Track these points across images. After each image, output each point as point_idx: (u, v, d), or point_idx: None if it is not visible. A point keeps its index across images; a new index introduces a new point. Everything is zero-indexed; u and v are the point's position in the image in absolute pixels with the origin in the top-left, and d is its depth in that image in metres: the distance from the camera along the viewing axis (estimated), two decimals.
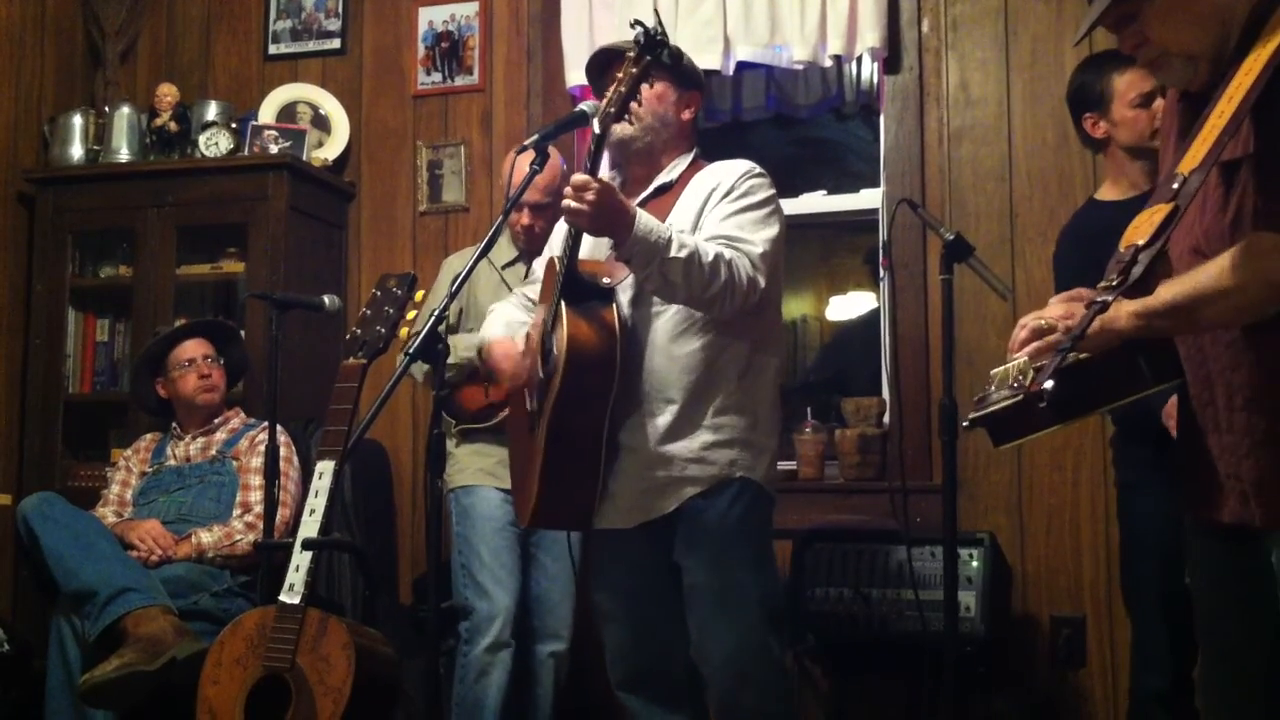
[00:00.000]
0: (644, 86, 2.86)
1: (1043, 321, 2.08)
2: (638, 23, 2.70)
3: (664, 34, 2.69)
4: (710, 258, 2.80)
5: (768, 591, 2.98)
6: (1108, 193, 3.40)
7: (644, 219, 2.77)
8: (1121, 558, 3.42)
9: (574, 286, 2.88)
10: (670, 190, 3.08)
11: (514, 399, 3.22)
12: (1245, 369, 2.04)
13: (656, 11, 4.50)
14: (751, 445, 2.97)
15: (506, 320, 3.21)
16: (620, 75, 2.76)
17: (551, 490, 2.90)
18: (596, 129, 2.80)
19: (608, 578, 3.11)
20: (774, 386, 3.09)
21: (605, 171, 3.09)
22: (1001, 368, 2.07)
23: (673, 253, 2.76)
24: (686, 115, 3.13)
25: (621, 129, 3.00)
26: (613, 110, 2.77)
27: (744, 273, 2.85)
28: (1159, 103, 3.20)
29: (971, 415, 2.07)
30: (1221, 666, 2.21)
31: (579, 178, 2.72)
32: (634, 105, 2.94)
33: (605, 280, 2.94)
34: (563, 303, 2.86)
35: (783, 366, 3.18)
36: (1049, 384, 1.82)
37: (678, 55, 2.76)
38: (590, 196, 2.69)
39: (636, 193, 3.07)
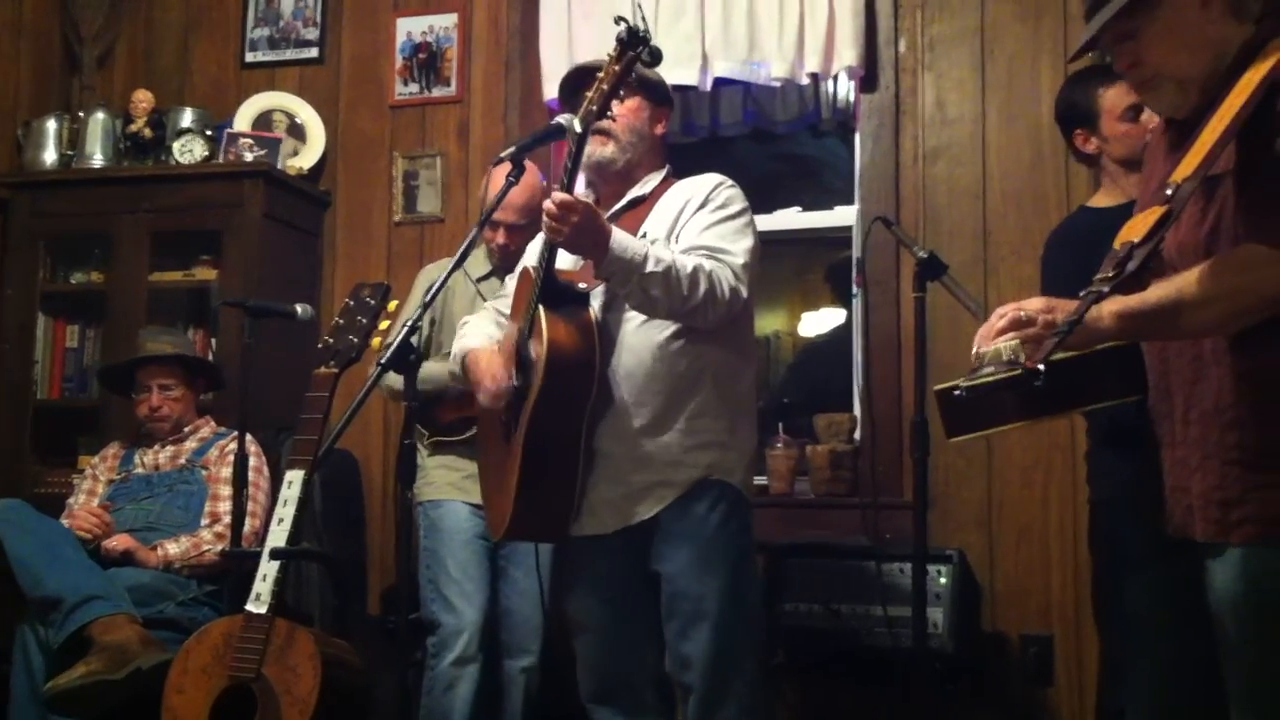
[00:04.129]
0: (616, 102, 2.87)
1: (1023, 313, 2.09)
2: (620, 19, 2.70)
3: (647, 31, 2.68)
4: (689, 270, 2.81)
5: (747, 601, 2.98)
6: (1101, 200, 3.42)
7: (619, 237, 2.77)
8: (1094, 573, 3.43)
9: (551, 292, 2.89)
10: (644, 203, 3.09)
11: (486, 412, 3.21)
12: (1206, 383, 2.07)
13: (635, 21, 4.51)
14: (729, 448, 2.97)
15: (486, 334, 3.19)
16: (601, 75, 2.75)
17: (528, 500, 2.88)
18: (578, 128, 2.78)
19: (581, 589, 3.09)
20: (749, 393, 3.09)
21: (580, 187, 3.10)
22: (991, 347, 2.07)
23: (650, 268, 2.76)
24: (659, 130, 3.16)
25: (602, 150, 3.04)
26: (594, 109, 2.75)
27: (725, 284, 2.86)
28: (1147, 114, 3.23)
29: (965, 384, 2.07)
30: (1154, 677, 2.24)
31: (562, 197, 2.71)
32: (611, 124, 2.98)
33: (581, 285, 2.94)
34: (541, 307, 2.86)
35: (757, 374, 3.17)
36: (1042, 365, 1.84)
37: (658, 55, 2.76)
38: (575, 219, 2.69)
39: (609, 207, 3.09)
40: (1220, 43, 2.11)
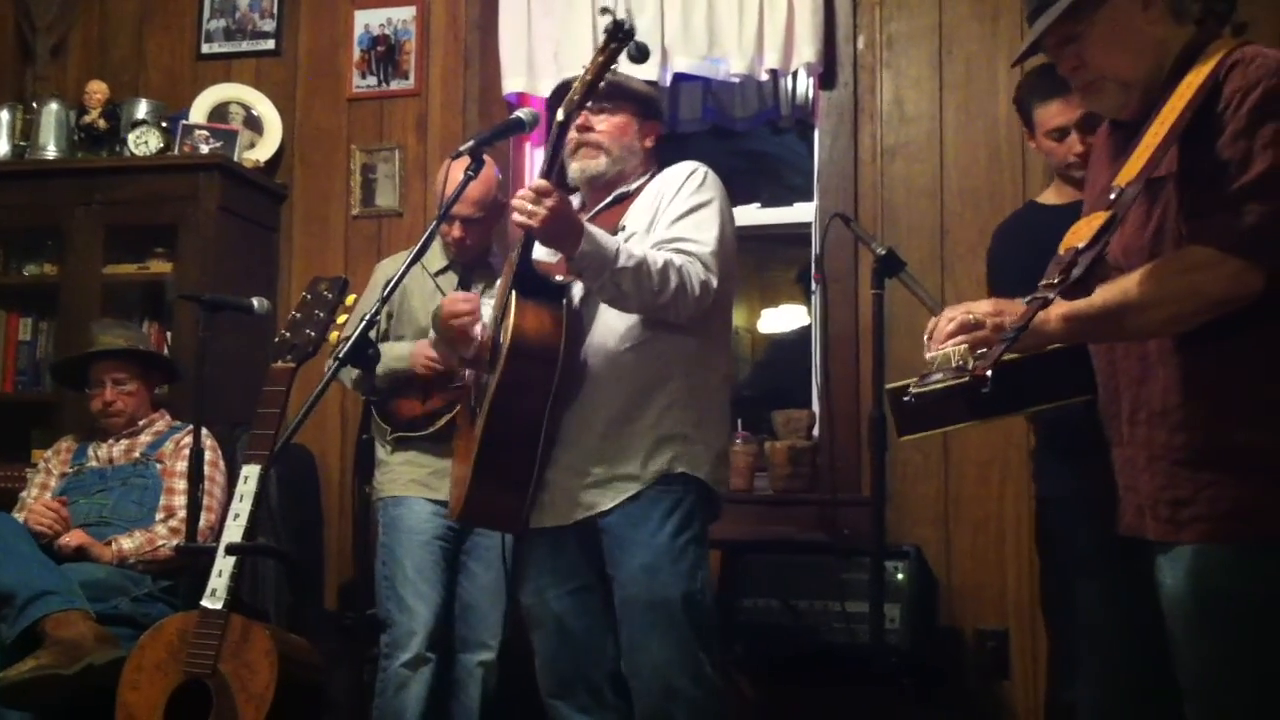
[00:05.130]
0: (605, 115, 3.00)
1: (971, 316, 2.10)
2: (606, 10, 2.71)
3: (632, 25, 2.70)
4: (659, 265, 2.83)
5: (701, 605, 2.96)
6: (1049, 198, 3.44)
7: (592, 232, 2.78)
8: (1041, 570, 3.45)
9: (527, 281, 2.90)
10: (628, 198, 3.11)
11: (463, 401, 3.22)
12: (1153, 383, 2.11)
13: (595, 20, 4.51)
14: (696, 442, 2.97)
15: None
16: (587, 65, 2.77)
17: (484, 483, 2.89)
18: (560, 115, 2.80)
19: (537, 584, 3.08)
20: (721, 385, 3.10)
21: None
22: (940, 352, 2.09)
23: (621, 263, 2.78)
24: (649, 144, 3.18)
25: (594, 163, 3.07)
26: (577, 98, 2.77)
27: (695, 278, 2.88)
28: (1072, 138, 3.26)
29: (914, 390, 2.09)
30: (1105, 675, 2.27)
31: (540, 183, 2.73)
32: (602, 136, 3.05)
33: (559, 277, 2.95)
34: (513, 294, 2.87)
35: (731, 366, 3.18)
36: (990, 371, 1.86)
37: (645, 50, 2.77)
38: (550, 202, 2.70)
39: (595, 207, 3.12)
40: (1162, 44, 2.14)
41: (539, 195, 2.70)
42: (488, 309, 3.19)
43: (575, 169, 3.07)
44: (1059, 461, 3.28)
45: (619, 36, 2.69)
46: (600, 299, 2.91)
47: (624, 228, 3.00)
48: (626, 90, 3.09)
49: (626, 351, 2.94)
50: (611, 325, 2.95)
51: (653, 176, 3.16)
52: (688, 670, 2.90)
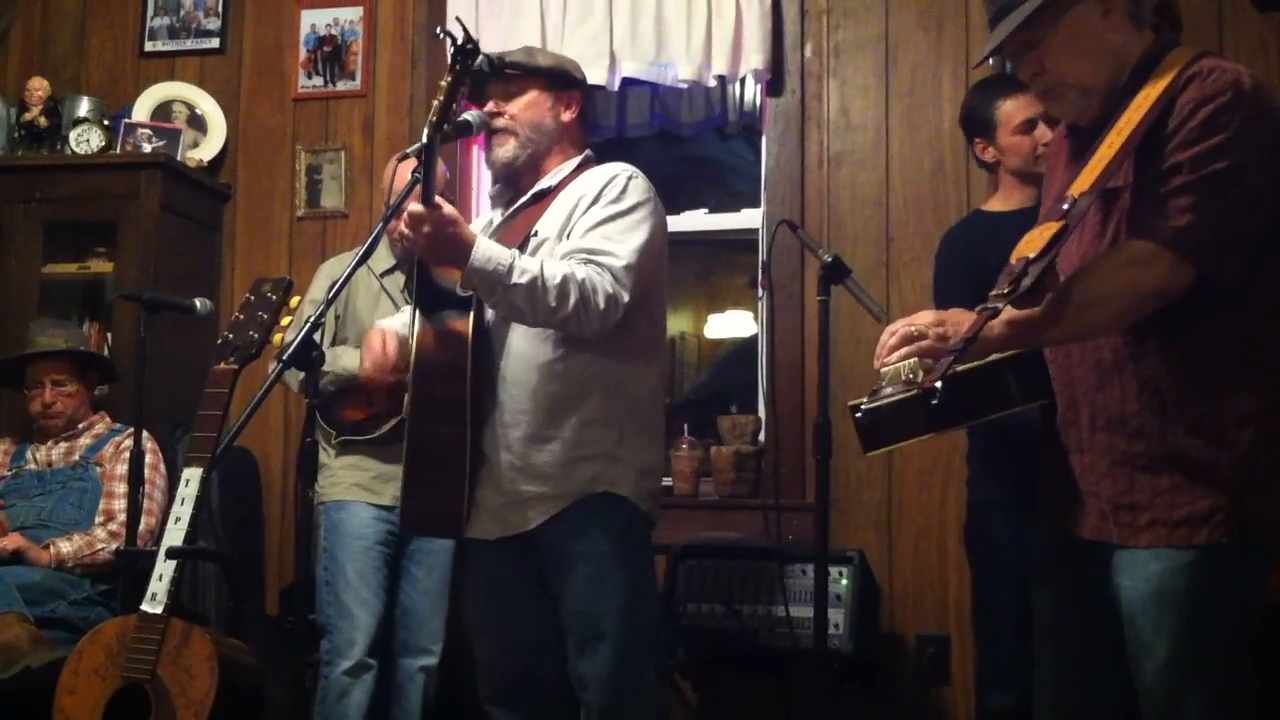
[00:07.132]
0: (501, 102, 2.93)
1: (913, 328, 2.12)
2: (445, 33, 2.63)
3: (474, 44, 2.58)
4: (557, 281, 2.72)
5: (644, 616, 2.93)
6: (996, 205, 3.47)
7: (482, 249, 2.68)
8: (974, 576, 3.47)
9: (427, 299, 2.86)
10: (548, 195, 2.99)
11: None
12: (1111, 390, 2.13)
13: (543, 22, 4.51)
14: (617, 459, 2.88)
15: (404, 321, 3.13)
16: (440, 84, 2.64)
17: (415, 496, 2.88)
18: (424, 137, 2.63)
19: (477, 590, 3.05)
20: (649, 398, 2.99)
21: (488, 186, 3.06)
22: (891, 367, 2.11)
23: (513, 279, 2.68)
24: (567, 116, 3.04)
25: (502, 149, 2.98)
26: (435, 119, 2.61)
27: (601, 292, 2.76)
28: (1041, 129, 3.31)
29: (865, 406, 2.11)
30: (1057, 677, 2.30)
31: (413, 209, 2.65)
32: (510, 120, 2.96)
33: (461, 290, 2.83)
34: (416, 313, 2.84)
35: (662, 376, 3.07)
36: (939, 383, 1.88)
37: (497, 64, 2.74)
38: (426, 229, 2.63)
39: (517, 202, 3.05)
40: (1121, 51, 2.17)
41: (414, 223, 2.64)
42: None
43: (491, 158, 3.00)
44: (996, 466, 3.31)
45: (464, 56, 2.57)
46: (497, 314, 2.85)
47: (536, 233, 2.91)
48: (527, 66, 2.98)
49: (539, 368, 2.85)
50: (525, 341, 2.86)
51: (581, 165, 3.04)
52: (632, 680, 2.88)
